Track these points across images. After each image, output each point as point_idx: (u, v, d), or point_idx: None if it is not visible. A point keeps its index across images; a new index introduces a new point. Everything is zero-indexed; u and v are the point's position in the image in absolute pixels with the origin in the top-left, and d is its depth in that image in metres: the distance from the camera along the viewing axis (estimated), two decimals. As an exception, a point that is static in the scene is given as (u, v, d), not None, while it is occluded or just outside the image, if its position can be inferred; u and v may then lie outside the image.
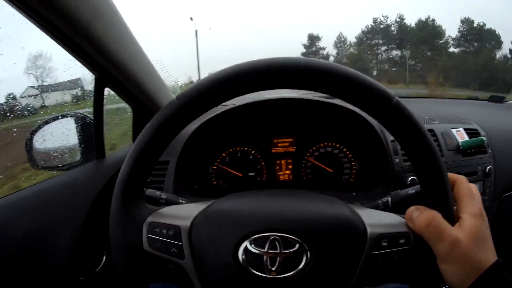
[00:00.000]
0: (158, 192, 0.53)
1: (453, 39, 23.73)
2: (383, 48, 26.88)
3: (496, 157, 0.80)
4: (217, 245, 0.38)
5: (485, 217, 0.38)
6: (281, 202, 0.43)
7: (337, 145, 0.79)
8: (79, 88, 1.13)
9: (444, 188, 0.38)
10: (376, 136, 0.71)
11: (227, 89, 0.39)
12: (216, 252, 0.38)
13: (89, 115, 0.76)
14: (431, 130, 0.75)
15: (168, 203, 0.52)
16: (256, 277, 0.36)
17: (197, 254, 0.39)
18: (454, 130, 0.77)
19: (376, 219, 0.41)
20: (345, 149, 0.79)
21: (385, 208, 0.50)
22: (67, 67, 0.81)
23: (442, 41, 24.08)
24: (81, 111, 0.79)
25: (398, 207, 0.49)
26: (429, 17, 24.16)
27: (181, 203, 0.53)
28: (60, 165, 0.80)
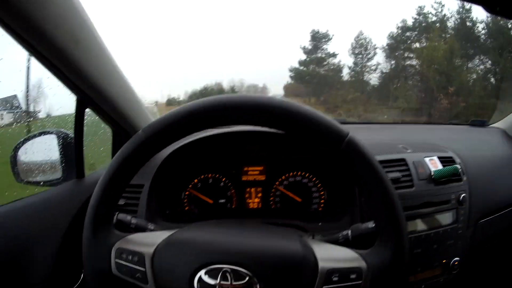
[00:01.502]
0: (129, 217, 0.56)
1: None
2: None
3: (472, 185, 0.81)
4: (176, 273, 0.41)
5: None
6: (236, 235, 0.46)
7: (307, 175, 0.81)
8: (14, 108, 0.93)
9: (397, 225, 0.40)
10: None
11: (186, 126, 0.43)
12: (175, 280, 0.41)
13: (69, 133, 0.78)
14: (402, 160, 0.76)
15: (138, 228, 0.56)
16: None
17: (159, 280, 0.42)
18: (427, 159, 0.78)
19: (329, 253, 0.43)
20: (314, 179, 0.81)
21: (345, 241, 0.52)
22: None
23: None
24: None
25: (358, 241, 0.51)
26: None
27: (150, 229, 0.56)
28: (42, 181, 0.83)
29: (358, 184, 0.43)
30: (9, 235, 0.62)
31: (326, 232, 0.63)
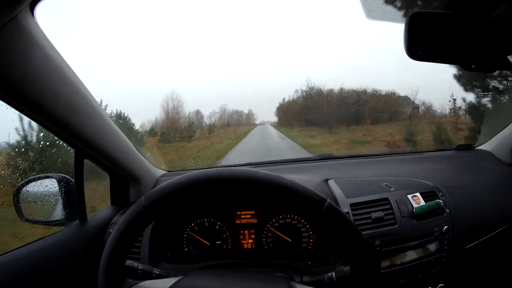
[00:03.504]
0: (136, 264, 0.62)
1: None
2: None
3: (456, 215, 0.84)
4: None
5: None
6: (231, 286, 0.51)
7: (296, 217, 0.85)
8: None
9: (375, 277, 0.47)
10: None
11: (185, 194, 0.49)
12: None
13: (70, 178, 0.82)
14: (385, 199, 0.80)
15: (144, 273, 0.62)
16: None
17: None
18: (410, 196, 0.81)
19: None
20: (303, 220, 0.85)
21: (330, 282, 0.58)
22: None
23: None
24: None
25: (342, 282, 0.57)
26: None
27: (155, 273, 0.62)
28: (44, 221, 0.87)
29: (337, 241, 0.48)
30: (21, 278, 0.67)
31: (315, 269, 0.68)
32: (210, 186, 0.48)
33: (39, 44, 0.50)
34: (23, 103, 0.52)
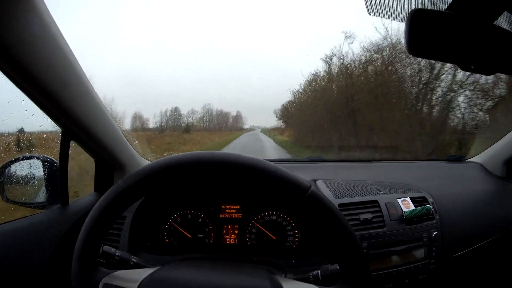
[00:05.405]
0: (113, 250, 0.59)
1: None
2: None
3: (445, 222, 0.84)
4: None
5: None
6: (211, 276, 0.50)
7: (282, 214, 0.83)
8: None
9: (364, 270, 0.44)
10: None
11: (161, 179, 0.46)
12: None
13: (55, 160, 0.80)
14: (375, 201, 0.79)
15: (122, 260, 0.59)
16: None
17: None
18: (399, 200, 0.81)
19: None
20: (288, 218, 0.83)
21: (315, 280, 0.55)
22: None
23: None
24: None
25: (327, 280, 0.54)
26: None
27: (133, 261, 0.59)
28: (26, 202, 0.84)
29: (321, 231, 0.45)
30: None
31: (299, 269, 0.65)
32: (190, 169, 0.45)
33: (38, 10, 0.48)
34: (15, 69, 0.50)
